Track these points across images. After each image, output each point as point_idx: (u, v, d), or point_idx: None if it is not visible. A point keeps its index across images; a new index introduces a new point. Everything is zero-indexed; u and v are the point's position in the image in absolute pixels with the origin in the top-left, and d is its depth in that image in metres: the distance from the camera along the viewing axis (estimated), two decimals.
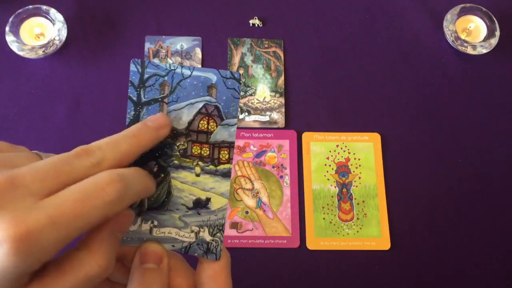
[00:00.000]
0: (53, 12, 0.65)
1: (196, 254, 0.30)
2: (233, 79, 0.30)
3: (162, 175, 0.30)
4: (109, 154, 0.25)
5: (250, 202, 0.62)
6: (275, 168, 0.63)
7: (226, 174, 0.31)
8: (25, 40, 0.64)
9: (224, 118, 0.30)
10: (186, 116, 0.30)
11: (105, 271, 0.24)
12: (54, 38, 0.65)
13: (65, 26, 0.65)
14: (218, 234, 0.30)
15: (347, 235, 0.61)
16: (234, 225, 0.61)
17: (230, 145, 0.31)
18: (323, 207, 0.62)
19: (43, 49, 0.64)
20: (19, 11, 0.65)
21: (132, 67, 0.30)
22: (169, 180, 0.30)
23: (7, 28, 0.64)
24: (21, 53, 0.63)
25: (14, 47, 0.63)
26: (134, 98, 0.30)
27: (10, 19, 0.64)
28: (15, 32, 0.64)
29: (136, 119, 0.30)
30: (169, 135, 0.30)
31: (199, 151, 0.31)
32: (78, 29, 0.68)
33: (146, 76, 0.30)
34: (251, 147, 0.64)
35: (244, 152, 0.64)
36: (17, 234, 0.20)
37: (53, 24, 0.65)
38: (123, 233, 0.27)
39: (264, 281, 0.59)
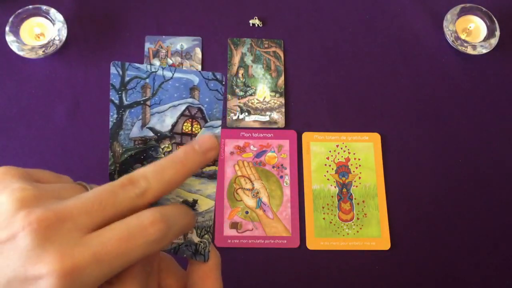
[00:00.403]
0: (53, 12, 0.65)
1: (185, 255, 0.30)
2: (216, 80, 0.30)
3: None
4: (153, 184, 0.25)
5: (250, 202, 0.62)
6: (275, 168, 0.63)
7: (212, 176, 0.30)
8: (25, 40, 0.64)
9: (208, 120, 0.30)
10: (169, 118, 0.30)
11: None
12: (54, 38, 0.65)
13: (65, 26, 0.65)
14: (206, 236, 0.30)
15: (347, 235, 0.61)
16: (234, 225, 0.61)
17: None
18: (323, 207, 0.62)
19: (43, 49, 0.64)
20: (19, 11, 0.65)
21: (112, 70, 0.29)
22: None
23: (7, 28, 0.64)
24: (21, 53, 0.63)
25: (14, 47, 0.63)
26: (116, 101, 0.30)
27: (10, 19, 0.64)
28: (15, 32, 0.64)
29: (119, 122, 0.30)
30: (154, 138, 0.30)
31: None
32: (78, 29, 0.68)
33: (127, 78, 0.29)
34: (251, 147, 0.64)
35: (244, 152, 0.64)
36: (63, 268, 0.21)
37: (53, 24, 0.65)
38: (152, 268, 0.27)
39: (264, 281, 0.59)
